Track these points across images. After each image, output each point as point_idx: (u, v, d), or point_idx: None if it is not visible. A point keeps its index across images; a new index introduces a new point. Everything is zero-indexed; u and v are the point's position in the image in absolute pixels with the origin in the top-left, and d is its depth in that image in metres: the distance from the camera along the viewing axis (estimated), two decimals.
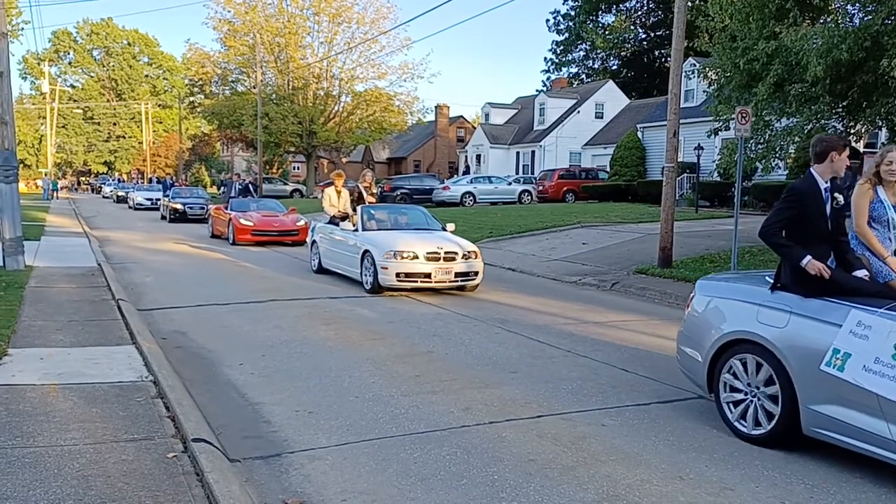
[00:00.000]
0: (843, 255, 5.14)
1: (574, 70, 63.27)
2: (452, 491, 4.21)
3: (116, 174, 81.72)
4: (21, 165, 55.18)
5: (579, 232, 19.66)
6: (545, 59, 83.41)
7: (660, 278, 12.98)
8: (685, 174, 28.65)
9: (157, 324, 8.82)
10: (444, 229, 12.80)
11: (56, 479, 3.97)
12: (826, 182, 5.11)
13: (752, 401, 5.12)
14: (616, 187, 32.88)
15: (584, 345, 8.09)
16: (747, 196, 24.68)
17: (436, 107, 59.98)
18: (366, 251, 11.56)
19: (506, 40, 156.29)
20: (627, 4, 59.30)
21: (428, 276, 11.18)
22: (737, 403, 5.23)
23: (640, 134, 35.60)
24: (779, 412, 4.89)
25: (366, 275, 11.57)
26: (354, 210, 13.02)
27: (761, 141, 13.40)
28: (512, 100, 56.47)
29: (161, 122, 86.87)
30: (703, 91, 25.55)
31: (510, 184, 37.07)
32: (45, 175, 56.89)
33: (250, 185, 27.37)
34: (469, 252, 11.58)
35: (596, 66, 62.28)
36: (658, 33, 56.71)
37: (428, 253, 11.23)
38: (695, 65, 25.28)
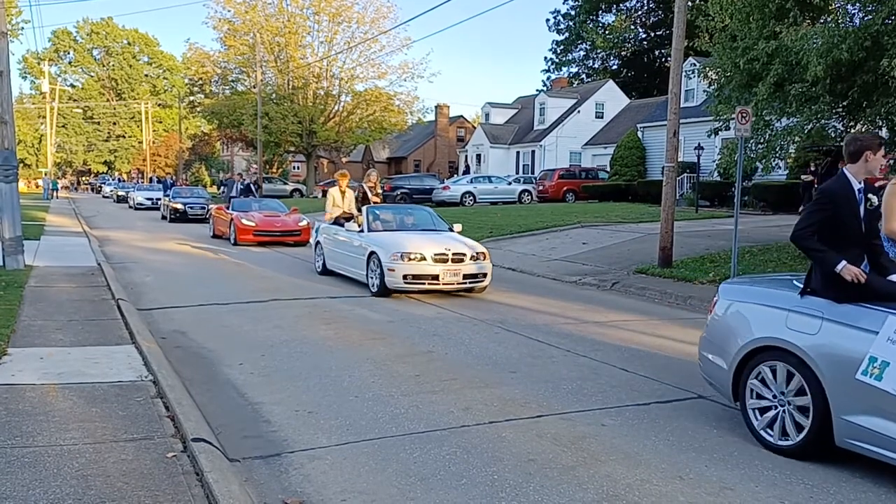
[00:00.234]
0: (876, 259, 4.94)
1: (574, 70, 63.30)
2: (452, 491, 4.21)
3: (116, 174, 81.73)
4: (21, 165, 55.23)
5: (579, 232, 19.65)
6: (545, 58, 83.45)
7: (660, 278, 12.98)
8: (685, 174, 28.64)
9: (156, 323, 8.82)
10: (451, 230, 12.61)
11: (55, 479, 3.97)
12: (860, 183, 4.91)
13: (780, 410, 4.91)
14: (616, 187, 32.87)
15: (583, 345, 8.09)
16: (747, 196, 24.68)
17: (436, 106, 60.03)
18: (372, 252, 11.34)
19: (506, 40, 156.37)
20: (628, 4, 59.31)
21: (436, 278, 10.95)
22: (763, 410, 5.03)
23: (640, 134, 35.60)
24: (809, 423, 4.67)
25: (372, 277, 11.36)
26: (359, 210, 12.85)
27: (761, 141, 13.39)
28: (512, 99, 56.51)
29: (161, 122, 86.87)
30: (704, 91, 25.53)
31: (510, 183, 37.07)
32: (45, 175, 56.88)
33: (252, 185, 27.26)
34: (478, 253, 11.39)
35: (596, 65, 62.29)
36: (658, 33, 56.71)
37: (436, 254, 11.01)
38: (695, 64, 25.29)
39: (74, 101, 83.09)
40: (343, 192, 14.17)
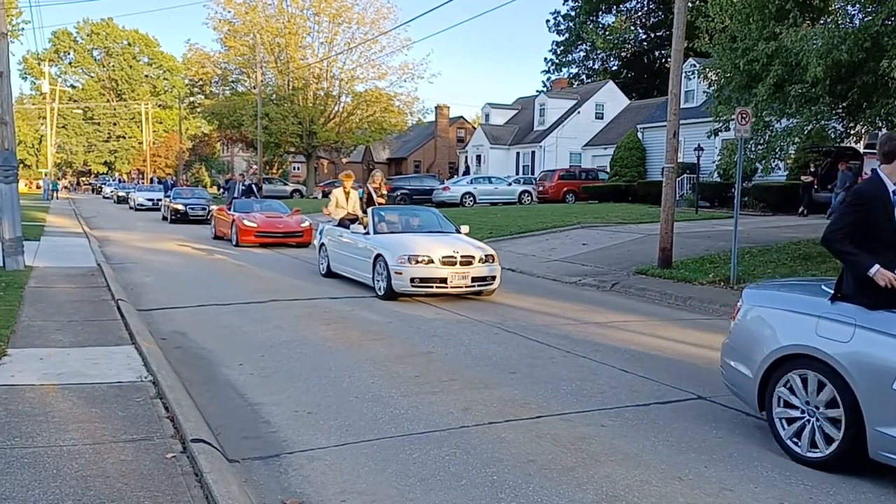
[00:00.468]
0: None
1: (574, 70, 63.31)
2: (451, 491, 4.21)
3: (116, 174, 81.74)
4: (21, 165, 55.23)
5: (579, 232, 19.66)
6: (545, 59, 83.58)
7: (660, 279, 12.98)
8: (685, 175, 28.64)
9: (156, 324, 8.82)
10: (458, 231, 12.40)
11: (55, 480, 3.97)
12: (894, 184, 4.74)
13: (809, 421, 4.73)
14: (616, 188, 32.87)
15: (583, 345, 8.09)
16: (747, 197, 24.69)
17: (436, 107, 60.05)
18: (378, 255, 11.11)
19: (506, 41, 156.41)
20: (627, 5, 59.33)
21: (444, 281, 10.72)
22: (791, 420, 4.85)
23: (640, 134, 35.60)
24: (840, 435, 4.50)
25: (378, 280, 11.13)
26: (365, 211, 12.67)
27: (761, 141, 13.38)
28: (512, 100, 56.50)
29: (161, 123, 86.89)
30: (704, 92, 25.52)
31: (510, 184, 37.06)
32: (45, 175, 56.88)
33: (254, 186, 27.15)
34: (487, 255, 11.19)
35: (596, 66, 62.32)
36: (658, 34, 56.73)
37: (444, 257, 10.79)
38: (695, 65, 25.27)
39: (75, 101, 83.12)
40: (347, 193, 13.97)
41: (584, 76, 62.14)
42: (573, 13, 60.50)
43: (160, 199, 34.75)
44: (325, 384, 6.37)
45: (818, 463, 4.62)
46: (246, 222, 19.08)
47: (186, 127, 74.89)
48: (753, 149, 13.43)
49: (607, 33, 58.84)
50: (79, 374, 6.07)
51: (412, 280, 10.62)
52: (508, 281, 13.39)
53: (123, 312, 8.80)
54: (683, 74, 17.37)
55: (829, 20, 12.29)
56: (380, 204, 13.55)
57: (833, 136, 14.49)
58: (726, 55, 12.89)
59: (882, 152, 4.85)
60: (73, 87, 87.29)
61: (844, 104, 12.48)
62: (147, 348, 6.98)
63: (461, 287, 10.86)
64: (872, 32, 10.60)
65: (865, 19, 11.47)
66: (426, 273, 10.66)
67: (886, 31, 10.58)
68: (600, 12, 59.27)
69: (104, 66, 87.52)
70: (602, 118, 44.44)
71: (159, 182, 46.99)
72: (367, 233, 11.90)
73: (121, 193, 49.30)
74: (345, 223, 13.08)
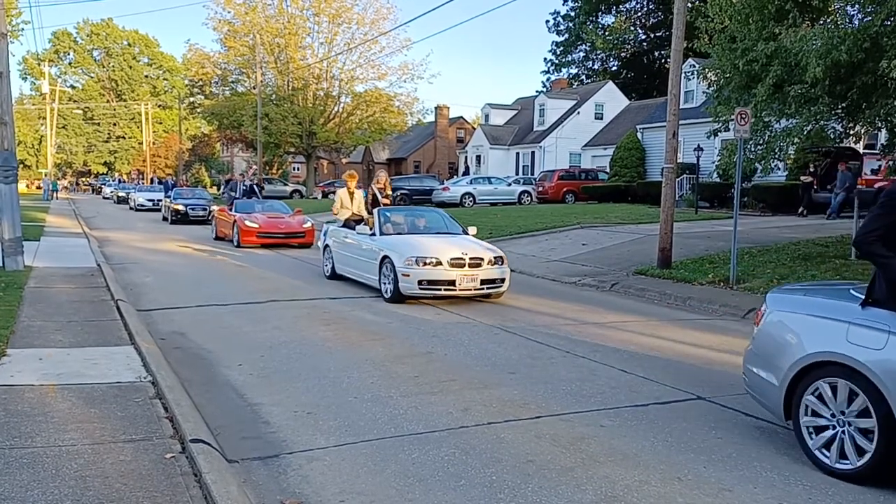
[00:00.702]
0: None
1: (574, 71, 63.33)
2: (451, 492, 4.21)
3: (116, 174, 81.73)
4: (21, 166, 55.25)
5: (579, 233, 19.66)
6: (545, 59, 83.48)
7: (659, 279, 12.98)
8: (685, 175, 28.64)
9: (156, 324, 8.82)
10: (465, 233, 12.19)
11: (54, 480, 3.97)
12: None
13: (838, 431, 4.55)
14: (616, 188, 32.87)
15: (583, 346, 8.09)
16: (747, 197, 24.69)
17: (436, 107, 60.06)
18: (385, 257, 10.89)
19: (506, 41, 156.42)
20: (627, 5, 59.35)
21: (452, 283, 10.49)
22: (819, 430, 4.67)
23: (639, 135, 35.60)
24: (873, 446, 4.33)
25: (385, 282, 10.92)
26: (370, 212, 12.49)
27: (760, 142, 13.38)
28: (512, 101, 56.49)
29: (161, 123, 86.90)
30: (703, 92, 25.50)
31: (510, 185, 37.05)
32: (45, 175, 56.86)
33: (255, 186, 27.05)
34: (496, 257, 10.98)
35: (596, 66, 62.33)
36: (658, 34, 56.74)
37: (452, 259, 10.57)
38: (694, 66, 25.29)
39: (74, 101, 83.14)
40: (352, 194, 13.66)
41: (583, 76, 62.16)
42: (573, 13, 60.52)
43: (160, 200, 34.62)
44: (324, 384, 6.37)
45: (848, 475, 4.45)
46: (247, 223, 18.99)
47: (186, 127, 74.93)
48: (753, 149, 13.43)
49: (607, 34, 58.86)
50: (78, 374, 6.07)
51: (420, 282, 10.43)
52: None
53: (123, 313, 8.80)
54: (683, 75, 17.38)
55: (828, 20, 12.29)
56: (385, 205, 13.35)
57: (832, 136, 14.49)
58: (726, 55, 12.89)
59: None
60: (72, 87, 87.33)
61: (844, 104, 12.48)
62: (146, 349, 6.98)
63: (470, 290, 10.64)
64: (872, 33, 10.60)
65: (865, 20, 11.47)
66: (434, 275, 10.45)
67: (886, 32, 10.58)
68: (600, 13, 59.30)
69: (104, 67, 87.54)
70: (602, 118, 44.44)
71: (160, 182, 46.95)
72: (373, 234, 11.69)
73: (121, 194, 49.23)
74: (350, 224, 12.88)
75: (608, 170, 36.26)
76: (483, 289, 10.77)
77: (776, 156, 13.21)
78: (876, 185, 20.47)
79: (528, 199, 35.49)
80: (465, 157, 52.05)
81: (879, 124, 13.12)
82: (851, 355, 4.44)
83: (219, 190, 53.23)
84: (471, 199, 34.49)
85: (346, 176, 14.18)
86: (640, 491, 4.26)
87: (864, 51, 10.67)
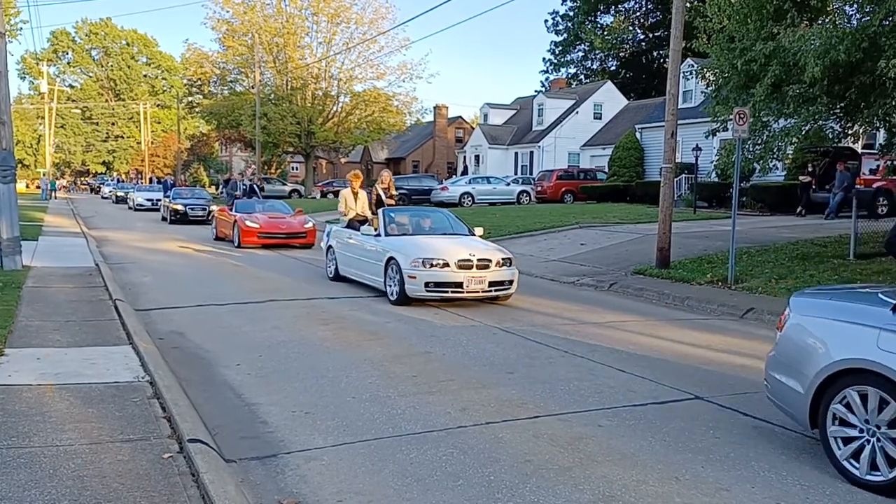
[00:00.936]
0: None
1: (573, 71, 63.36)
2: (448, 492, 4.21)
3: (115, 174, 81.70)
4: (20, 165, 55.16)
5: (577, 232, 19.67)
6: (544, 59, 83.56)
7: (657, 279, 12.99)
8: (683, 175, 28.65)
9: (154, 324, 8.81)
10: (471, 233, 11.94)
11: (51, 480, 3.97)
12: None
13: (868, 441, 4.39)
14: (614, 188, 32.88)
15: (581, 345, 8.09)
16: (745, 197, 24.71)
17: (434, 107, 60.04)
18: (391, 258, 10.66)
19: (504, 41, 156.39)
20: (626, 5, 59.37)
21: (460, 285, 10.26)
22: (847, 440, 4.50)
23: (638, 135, 35.61)
24: None
25: (390, 284, 10.67)
26: (375, 213, 12.31)
27: (759, 142, 13.39)
28: (511, 100, 56.48)
29: (159, 122, 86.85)
30: (702, 92, 25.54)
31: (509, 184, 37.04)
32: (44, 175, 56.82)
33: (256, 186, 26.94)
34: (504, 259, 10.77)
35: (594, 66, 62.34)
36: (656, 34, 56.76)
37: (460, 260, 10.31)
38: (693, 65, 25.29)
39: (73, 101, 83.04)
40: (356, 194, 13.30)
41: (582, 76, 62.18)
42: (571, 13, 60.53)
43: (159, 200, 34.49)
44: (322, 384, 6.37)
45: (881, 487, 4.29)
46: (248, 223, 18.83)
47: (185, 127, 74.85)
48: (751, 149, 13.45)
49: (606, 33, 58.88)
50: (76, 374, 6.07)
51: (426, 284, 10.21)
52: None
53: (121, 312, 8.79)
54: (681, 75, 17.39)
55: (826, 20, 12.31)
56: (390, 205, 13.15)
57: (831, 136, 14.51)
58: (724, 55, 12.90)
59: None
60: (71, 86, 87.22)
61: (842, 104, 12.50)
62: (144, 348, 6.98)
63: (477, 292, 10.42)
64: (870, 33, 10.61)
65: (863, 19, 11.48)
66: (441, 277, 10.24)
67: (884, 32, 10.59)
68: (599, 12, 59.31)
69: (102, 66, 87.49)
70: (600, 118, 44.44)
71: (158, 182, 46.90)
72: (378, 235, 11.47)
73: (119, 193, 49.17)
74: (354, 225, 12.64)
75: (607, 169, 36.27)
76: (491, 291, 10.56)
77: (774, 156, 13.23)
78: (874, 185, 20.51)
79: (527, 198, 35.48)
80: (464, 157, 52.05)
81: (878, 124, 13.14)
82: (883, 362, 4.27)
83: (217, 189, 53.25)
84: (469, 198, 34.48)
85: (351, 176, 13.84)
86: (638, 491, 4.26)
87: (863, 51, 10.68)
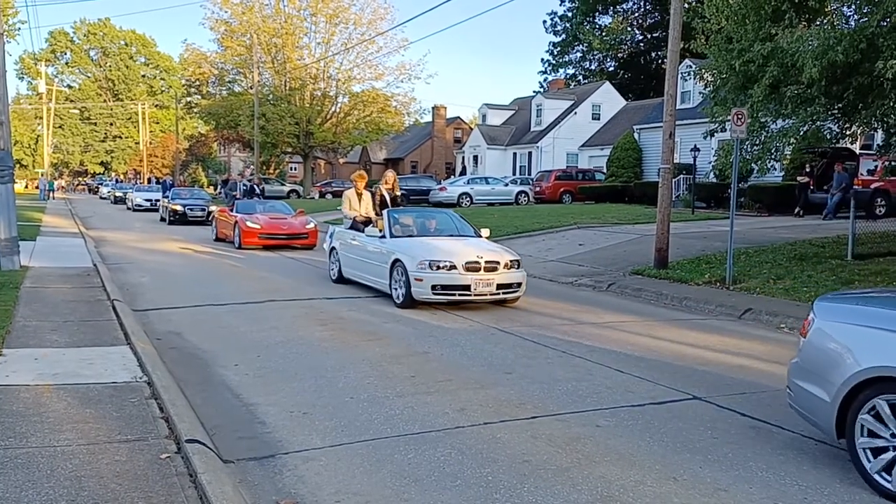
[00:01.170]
0: None
1: (571, 71, 63.32)
2: (447, 492, 4.21)
3: (114, 174, 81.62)
4: (17, 166, 55.10)
5: (576, 233, 19.67)
6: (542, 60, 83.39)
7: (656, 279, 12.99)
8: (682, 175, 28.67)
9: (152, 324, 8.81)
10: (478, 235, 11.79)
11: (49, 480, 3.97)
12: None
13: None
14: (613, 188, 32.88)
15: (579, 346, 8.09)
16: (743, 197, 24.71)
17: (433, 108, 60.03)
18: (396, 260, 10.44)
19: (503, 41, 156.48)
20: (624, 6, 59.35)
21: (467, 288, 10.03)
22: (878, 451, 4.32)
23: (636, 135, 35.62)
24: None
25: (396, 287, 10.46)
26: (379, 214, 12.11)
27: (757, 142, 13.40)
28: (509, 101, 56.46)
29: (158, 123, 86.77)
30: (700, 93, 25.57)
31: (507, 185, 37.05)
32: (42, 175, 56.75)
33: (256, 186, 26.83)
34: (512, 261, 10.54)
35: (593, 67, 62.32)
36: (655, 35, 56.77)
37: (467, 263, 10.10)
38: (691, 66, 25.32)
39: (71, 101, 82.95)
40: (360, 195, 13.07)
41: (580, 77, 62.16)
42: (570, 14, 60.50)
43: (158, 200, 34.34)
44: (320, 384, 6.36)
45: None
46: (249, 224, 18.72)
47: (183, 127, 74.81)
48: (749, 149, 13.45)
49: (604, 34, 58.87)
50: (74, 374, 6.06)
51: (433, 287, 9.98)
52: None
53: (119, 313, 8.78)
54: (680, 75, 17.40)
55: (824, 21, 12.32)
56: (398, 202, 12.95)
57: (829, 136, 14.52)
58: (722, 56, 12.90)
59: None
60: (69, 87, 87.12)
61: (840, 105, 12.50)
62: (142, 349, 6.97)
63: (485, 295, 10.22)
64: (868, 33, 10.61)
65: (861, 20, 11.49)
66: (448, 280, 10.01)
67: (882, 33, 10.60)
68: (597, 13, 59.29)
69: (101, 66, 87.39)
70: (599, 119, 44.45)
71: (157, 182, 46.82)
72: (383, 236, 11.25)
73: (118, 194, 49.07)
74: (358, 226, 12.43)
75: (605, 170, 36.27)
76: (499, 294, 10.35)
77: (772, 156, 13.24)
78: (872, 186, 20.53)
79: (526, 199, 35.49)
80: (463, 158, 52.05)
81: (875, 125, 13.15)
82: None
83: (216, 189, 53.23)
84: (468, 199, 34.47)
85: (356, 176, 13.52)
86: (636, 491, 4.26)
87: (861, 51, 10.69)
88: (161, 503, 3.78)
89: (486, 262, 10.28)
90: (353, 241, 12.29)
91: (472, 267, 10.15)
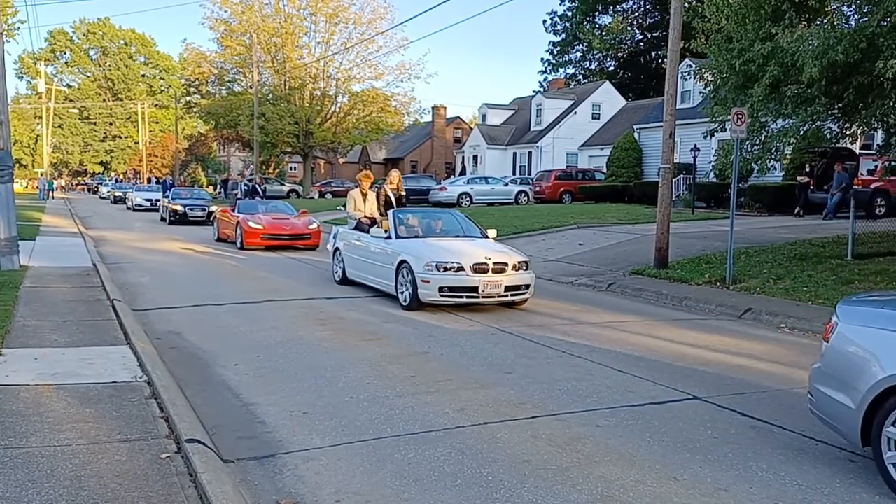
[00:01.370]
0: None
1: (571, 71, 63.31)
2: (447, 492, 4.21)
3: (113, 174, 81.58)
4: (17, 165, 55.03)
5: (576, 233, 19.67)
6: (542, 59, 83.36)
7: (656, 279, 12.99)
8: (682, 175, 28.66)
9: (152, 324, 8.80)
10: (485, 235, 11.57)
11: (49, 480, 3.96)
12: None
13: None
14: (613, 188, 32.87)
15: (579, 346, 8.09)
16: (743, 197, 24.71)
17: (433, 107, 60.02)
18: (402, 262, 10.26)
19: (503, 41, 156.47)
20: (624, 5, 59.35)
21: (475, 290, 9.83)
22: None
23: (636, 135, 35.61)
24: None
25: (402, 289, 10.27)
26: (384, 214, 11.96)
27: (757, 142, 13.40)
28: (509, 100, 56.44)
29: (157, 122, 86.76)
30: (700, 92, 25.55)
31: (507, 184, 37.02)
32: (41, 175, 56.72)
33: (258, 186, 26.74)
34: (520, 262, 10.33)
35: (593, 67, 62.32)
36: (655, 34, 56.76)
37: (475, 264, 9.90)
38: (691, 66, 25.34)
39: (71, 101, 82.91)
40: (365, 195, 12.87)
41: (580, 76, 62.15)
42: (570, 14, 60.49)
43: (158, 200, 34.26)
44: (320, 384, 6.36)
45: None
46: (251, 224, 18.58)
47: (183, 127, 74.79)
48: (749, 149, 13.45)
49: (604, 34, 58.88)
50: (74, 374, 6.06)
51: (440, 289, 9.80)
52: None
53: (119, 312, 8.78)
54: (680, 75, 17.40)
55: (824, 21, 12.32)
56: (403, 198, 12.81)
57: (829, 136, 14.51)
58: (722, 56, 12.90)
59: None
60: (69, 86, 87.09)
61: (840, 105, 12.50)
62: (142, 348, 6.97)
63: (493, 297, 10.03)
64: (868, 33, 10.61)
65: (861, 20, 11.49)
66: (456, 282, 9.82)
67: (882, 32, 10.60)
68: (597, 13, 59.28)
69: (100, 66, 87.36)
70: (599, 118, 44.44)
71: (157, 182, 46.80)
72: (389, 237, 11.07)
73: (118, 193, 49.04)
74: (362, 226, 12.21)
75: (605, 170, 36.26)
76: (507, 296, 10.16)
77: (773, 156, 13.23)
78: (872, 186, 20.53)
79: (525, 198, 35.48)
80: (462, 157, 52.04)
81: (875, 124, 13.15)
82: None
83: (215, 189, 53.23)
84: (468, 199, 34.45)
85: (361, 176, 13.34)
86: (636, 491, 4.26)
87: (861, 51, 10.69)
88: (161, 503, 3.78)
89: (495, 263, 10.08)
90: (357, 241, 12.12)
91: (479, 268, 9.96)
